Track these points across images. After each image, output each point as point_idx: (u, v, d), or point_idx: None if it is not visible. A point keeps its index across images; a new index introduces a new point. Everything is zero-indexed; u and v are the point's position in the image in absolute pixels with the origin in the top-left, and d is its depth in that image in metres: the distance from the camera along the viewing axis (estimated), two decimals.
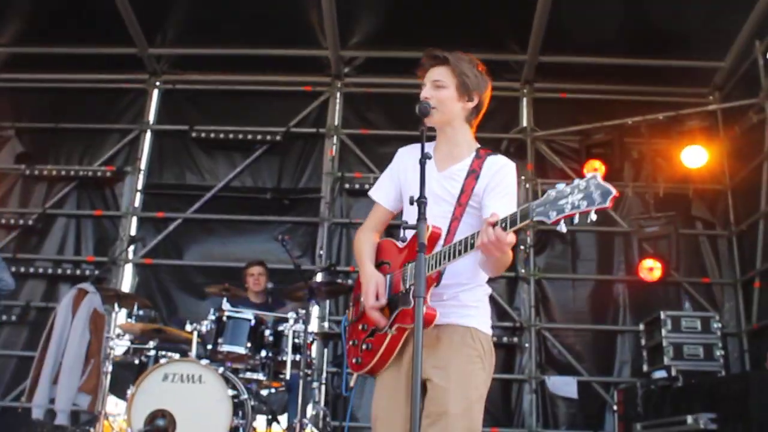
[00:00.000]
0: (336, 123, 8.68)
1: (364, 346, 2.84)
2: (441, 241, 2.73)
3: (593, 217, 2.30)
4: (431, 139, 2.99)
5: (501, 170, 2.83)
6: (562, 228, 2.36)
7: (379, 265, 2.94)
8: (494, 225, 2.45)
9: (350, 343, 2.96)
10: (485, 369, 2.76)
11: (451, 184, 2.82)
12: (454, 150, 2.92)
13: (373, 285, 2.78)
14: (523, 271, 8.00)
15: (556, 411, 7.57)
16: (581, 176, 7.06)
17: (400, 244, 2.89)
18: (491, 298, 8.03)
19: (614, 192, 2.26)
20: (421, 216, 2.55)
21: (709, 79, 8.26)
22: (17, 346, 8.11)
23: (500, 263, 2.63)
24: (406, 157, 3.02)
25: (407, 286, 2.70)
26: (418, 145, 2.83)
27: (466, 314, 2.80)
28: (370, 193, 3.13)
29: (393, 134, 8.26)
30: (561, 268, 8.11)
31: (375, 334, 2.81)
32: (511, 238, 2.46)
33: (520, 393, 7.68)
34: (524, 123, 8.56)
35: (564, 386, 7.49)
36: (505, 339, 7.75)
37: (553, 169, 8.38)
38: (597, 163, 7.83)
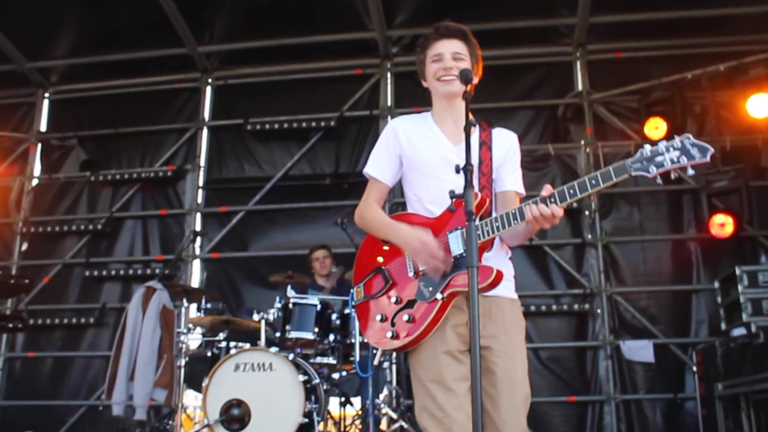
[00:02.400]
0: (389, 104, 8.65)
1: (404, 318, 2.76)
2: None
3: (691, 172, 2.43)
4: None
5: (513, 144, 2.99)
6: (659, 181, 2.46)
7: None
8: (548, 198, 2.55)
9: (377, 318, 2.87)
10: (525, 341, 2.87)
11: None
12: (459, 123, 2.87)
13: (431, 240, 2.71)
14: (589, 236, 7.85)
15: (634, 376, 7.42)
16: (643, 136, 6.91)
17: (428, 215, 2.87)
18: (559, 266, 7.89)
19: (711, 149, 2.38)
20: (468, 183, 2.50)
21: None
22: (100, 347, 8.36)
23: (532, 233, 2.78)
24: (406, 127, 3.02)
25: (459, 253, 2.67)
26: (413, 116, 3.05)
27: (509, 287, 2.86)
28: (367, 170, 3.06)
29: None
30: (628, 230, 7.92)
31: (416, 305, 2.76)
32: (562, 212, 2.55)
33: (594, 360, 7.56)
34: (580, 87, 8.36)
35: (640, 351, 7.35)
36: (576, 306, 7.64)
37: (612, 131, 8.18)
38: (658, 121, 7.62)
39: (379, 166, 3.02)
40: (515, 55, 8.40)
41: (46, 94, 9.36)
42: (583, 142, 8.12)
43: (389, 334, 2.82)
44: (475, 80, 2.86)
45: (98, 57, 8.73)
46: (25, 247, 8.80)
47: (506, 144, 2.96)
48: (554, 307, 7.69)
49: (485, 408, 2.65)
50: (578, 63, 8.46)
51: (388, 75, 8.76)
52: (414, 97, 8.39)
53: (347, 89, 8.71)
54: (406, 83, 8.67)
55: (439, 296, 2.69)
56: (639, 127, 7.83)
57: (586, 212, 7.92)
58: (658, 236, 7.89)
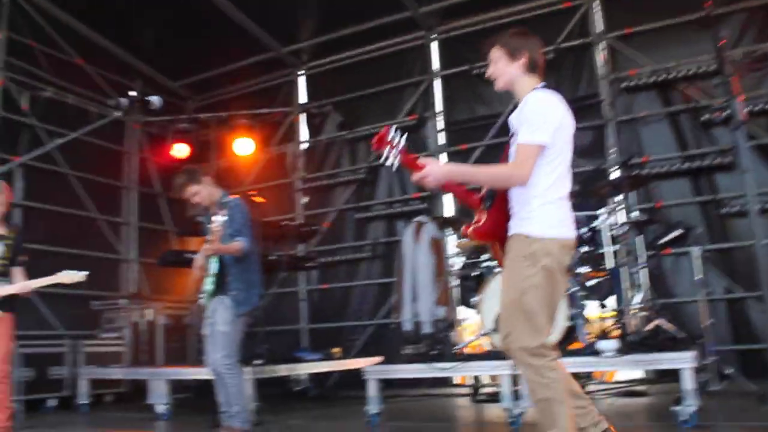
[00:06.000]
0: (600, 29, 9.03)
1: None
2: None
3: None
4: None
5: (524, 104, 3.43)
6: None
7: None
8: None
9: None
10: (534, 265, 3.24)
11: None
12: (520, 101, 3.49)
13: None
14: None
15: None
16: None
17: None
18: None
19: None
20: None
21: None
22: (373, 276, 10.02)
23: (485, 180, 3.57)
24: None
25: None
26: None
27: (520, 225, 3.38)
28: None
29: (661, 25, 8.43)
30: None
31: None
32: (416, 176, 3.40)
33: None
34: None
35: None
36: None
37: None
38: None
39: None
40: None
41: (301, 72, 11.08)
42: None
43: None
44: (521, 61, 3.47)
45: (337, 33, 10.14)
46: (305, 200, 10.64)
47: (521, 107, 3.47)
48: None
49: None
50: None
51: (596, 1, 9.12)
52: (625, 19, 8.74)
53: (559, 22, 9.17)
54: (616, 9, 8.94)
55: None
56: None
57: None
58: None
